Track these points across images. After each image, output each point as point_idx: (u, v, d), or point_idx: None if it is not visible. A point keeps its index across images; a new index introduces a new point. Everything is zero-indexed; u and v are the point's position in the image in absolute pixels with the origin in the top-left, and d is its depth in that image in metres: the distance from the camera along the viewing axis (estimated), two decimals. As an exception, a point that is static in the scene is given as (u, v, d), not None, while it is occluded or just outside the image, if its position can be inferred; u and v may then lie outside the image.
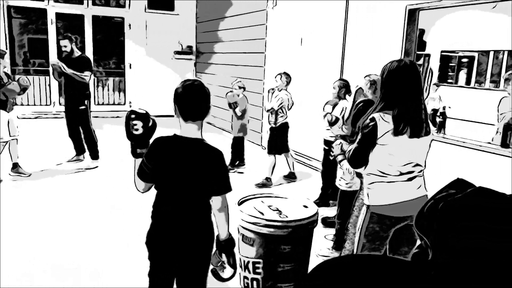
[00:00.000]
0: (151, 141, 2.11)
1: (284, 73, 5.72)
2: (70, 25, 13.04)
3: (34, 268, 3.41)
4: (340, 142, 2.72)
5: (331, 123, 4.78)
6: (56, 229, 4.15)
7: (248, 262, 2.12)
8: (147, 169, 2.07)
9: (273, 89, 5.83)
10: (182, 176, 2.01)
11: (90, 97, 6.33)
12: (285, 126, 5.79)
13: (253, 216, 2.01)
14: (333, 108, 4.78)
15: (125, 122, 2.11)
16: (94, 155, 6.26)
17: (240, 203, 2.07)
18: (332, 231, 4.10)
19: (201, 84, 2.05)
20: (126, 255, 3.67)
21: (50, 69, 5.85)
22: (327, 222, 4.46)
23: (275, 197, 2.25)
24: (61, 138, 7.84)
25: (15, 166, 5.72)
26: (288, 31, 7.24)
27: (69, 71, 5.91)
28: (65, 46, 6.02)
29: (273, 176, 5.81)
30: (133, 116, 2.09)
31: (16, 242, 3.83)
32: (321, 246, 3.93)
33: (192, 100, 2.02)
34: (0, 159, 5.45)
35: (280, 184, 5.88)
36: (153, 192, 2.18)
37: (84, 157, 6.44)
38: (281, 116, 5.71)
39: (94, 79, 10.86)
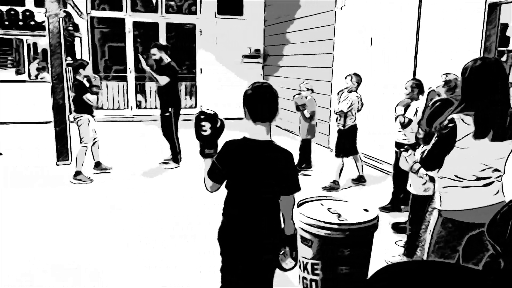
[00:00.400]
0: (220, 142, 2.18)
1: (355, 74, 5.62)
2: (146, 33, 13.79)
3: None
4: (410, 153, 2.63)
5: (404, 125, 4.62)
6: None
7: (307, 263, 2.13)
8: (218, 171, 2.14)
9: (342, 90, 5.74)
10: (252, 177, 2.07)
11: (179, 104, 6.48)
12: (353, 129, 5.69)
13: (311, 218, 2.01)
14: (405, 109, 4.62)
15: (194, 123, 2.19)
16: (174, 159, 6.54)
17: (299, 205, 2.09)
18: (403, 237, 3.96)
19: (270, 86, 2.10)
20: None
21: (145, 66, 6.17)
22: (398, 228, 4.32)
23: (336, 200, 2.22)
24: (136, 139, 8.31)
25: (98, 164, 6.19)
26: (357, 31, 7.11)
27: (147, 69, 6.22)
28: (154, 54, 6.30)
29: (341, 179, 5.72)
30: (202, 117, 2.15)
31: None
32: (392, 252, 3.81)
33: (261, 102, 2.07)
34: (75, 160, 5.90)
35: (349, 187, 5.77)
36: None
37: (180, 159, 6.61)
38: (350, 119, 5.61)
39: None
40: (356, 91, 5.59)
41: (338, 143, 5.71)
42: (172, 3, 11.52)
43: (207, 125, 2.14)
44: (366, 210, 2.18)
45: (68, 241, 3.95)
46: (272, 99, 2.08)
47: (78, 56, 9.93)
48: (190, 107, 11.65)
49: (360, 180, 5.94)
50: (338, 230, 2.02)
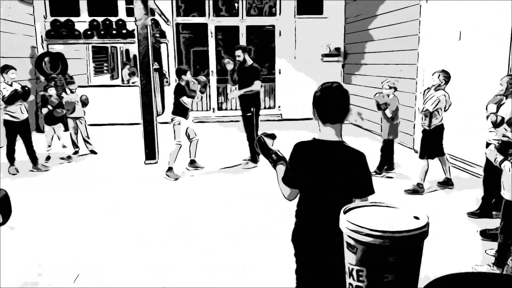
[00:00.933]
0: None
1: (442, 71, 5.30)
2: (227, 36, 14.24)
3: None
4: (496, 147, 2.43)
5: (496, 124, 4.28)
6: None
7: (352, 269, 2.06)
8: (290, 174, 2.15)
9: (429, 88, 5.46)
10: (323, 179, 2.06)
11: (259, 105, 6.61)
12: (440, 129, 5.37)
13: (355, 224, 1.95)
14: (498, 107, 4.28)
15: (259, 145, 2.35)
16: (253, 159, 6.70)
17: (347, 211, 2.04)
18: (494, 245, 3.67)
19: (340, 86, 2.07)
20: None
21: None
22: (487, 235, 4.01)
23: (385, 206, 2.12)
24: (213, 140, 8.56)
25: (193, 162, 6.57)
26: (444, 25, 6.70)
27: (240, 93, 6.45)
28: (238, 56, 6.49)
29: (426, 182, 5.44)
30: (265, 138, 2.36)
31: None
32: (481, 261, 3.55)
33: (330, 103, 2.04)
34: (169, 156, 6.24)
35: (434, 190, 5.47)
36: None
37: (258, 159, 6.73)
38: (436, 118, 5.31)
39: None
40: (444, 89, 5.28)
41: (423, 143, 5.43)
42: (253, 4, 11.75)
43: (269, 142, 2.34)
44: (416, 217, 2.06)
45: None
46: (341, 100, 2.05)
47: (164, 61, 10.52)
48: (269, 107, 11.80)
49: (447, 184, 5.60)
50: (381, 238, 1.92)
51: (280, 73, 11.40)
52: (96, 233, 4.23)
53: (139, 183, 6.00)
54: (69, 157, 7.22)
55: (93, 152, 7.65)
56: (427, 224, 2.09)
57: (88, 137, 7.64)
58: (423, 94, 5.54)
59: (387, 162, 6.15)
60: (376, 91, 6.25)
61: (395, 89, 5.97)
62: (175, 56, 10.95)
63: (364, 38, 9.84)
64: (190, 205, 5.06)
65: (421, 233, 2.10)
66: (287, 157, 2.20)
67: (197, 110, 11.40)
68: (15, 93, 6.11)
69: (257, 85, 6.37)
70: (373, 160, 6.20)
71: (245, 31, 11.15)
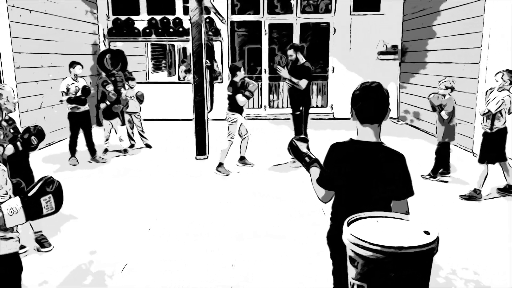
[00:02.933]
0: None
1: (507, 70, 4.95)
2: (281, 34, 14.17)
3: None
4: None
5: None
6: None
7: (354, 284, 1.92)
8: (326, 175, 2.14)
9: (492, 89, 5.12)
10: (361, 180, 2.02)
11: (309, 103, 6.56)
12: (502, 132, 5.02)
13: (355, 237, 1.80)
14: None
15: (292, 150, 2.39)
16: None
17: (352, 221, 1.90)
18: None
19: (379, 86, 2.03)
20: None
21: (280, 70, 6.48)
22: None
23: (395, 218, 1.95)
24: (263, 138, 8.55)
25: (242, 158, 6.63)
26: (510, 22, 6.24)
27: (286, 76, 6.42)
28: (291, 56, 6.46)
29: (484, 188, 5.11)
30: (297, 142, 2.40)
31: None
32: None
33: (370, 103, 2.01)
34: (220, 153, 6.32)
35: (493, 198, 5.13)
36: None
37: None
38: (499, 121, 4.97)
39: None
40: (508, 89, 4.92)
41: (483, 147, 5.10)
42: (310, 1, 11.60)
43: (302, 145, 2.38)
44: (427, 232, 1.88)
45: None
46: (381, 100, 2.02)
47: (218, 59, 10.67)
48: (321, 106, 11.63)
49: (508, 191, 5.23)
50: (382, 253, 1.76)
51: (333, 71, 11.19)
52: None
53: (188, 178, 6.12)
54: (125, 151, 7.51)
55: (148, 146, 7.91)
56: (436, 240, 1.91)
57: (144, 132, 7.91)
58: (486, 95, 5.21)
59: (442, 166, 5.86)
60: (436, 91, 5.95)
61: (452, 89, 5.66)
62: (229, 53, 11.08)
63: (423, 35, 9.42)
64: (220, 202, 5.14)
65: (428, 250, 1.91)
66: (323, 158, 2.19)
67: (248, 107, 11.44)
68: (84, 89, 6.47)
69: (303, 83, 6.31)
70: (428, 163, 5.94)
71: (299, 28, 11.05)
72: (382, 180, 2.00)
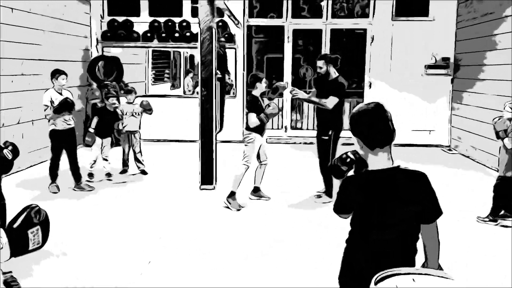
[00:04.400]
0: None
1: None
2: (307, 42, 14.30)
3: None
4: None
5: None
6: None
7: None
8: (343, 207, 2.38)
9: (500, 117, 5.05)
10: (383, 210, 2.20)
11: (340, 126, 6.49)
12: None
13: None
14: None
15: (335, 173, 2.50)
16: (327, 191, 6.53)
17: (379, 280, 1.82)
18: None
19: (379, 104, 2.27)
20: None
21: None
22: None
23: (436, 276, 1.85)
24: (285, 165, 8.50)
25: (256, 190, 6.62)
26: None
27: (304, 97, 6.42)
28: (320, 68, 6.42)
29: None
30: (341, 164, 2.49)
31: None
32: None
33: (377, 125, 2.21)
34: (233, 180, 6.30)
35: None
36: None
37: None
38: None
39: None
40: None
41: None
42: (343, 4, 11.71)
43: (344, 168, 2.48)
44: None
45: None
46: (387, 119, 2.23)
47: (231, 70, 10.76)
48: (356, 129, 11.58)
49: None
50: None
51: (370, 87, 11.17)
52: (118, 267, 4.44)
53: (189, 213, 6.09)
54: (109, 175, 7.56)
55: (143, 172, 7.93)
56: None
57: (141, 154, 7.94)
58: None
59: (504, 206, 5.69)
60: (496, 114, 5.86)
61: (520, 112, 5.54)
62: (244, 63, 11.16)
63: (482, 46, 9.35)
64: (226, 249, 5.05)
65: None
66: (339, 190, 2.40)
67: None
68: (65, 102, 6.51)
69: (331, 102, 6.23)
70: (486, 202, 5.79)
71: (329, 35, 11.10)
72: (405, 205, 2.18)
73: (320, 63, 6.41)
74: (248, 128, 6.25)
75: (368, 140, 2.22)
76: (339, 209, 2.40)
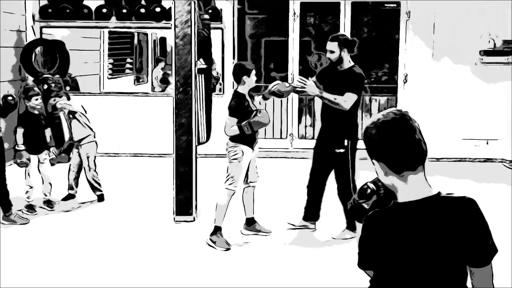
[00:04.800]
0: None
1: None
2: (321, 19, 14.29)
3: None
4: None
5: None
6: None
7: None
8: (369, 260, 2.30)
9: None
10: (423, 256, 2.18)
11: (357, 133, 6.44)
12: None
13: None
14: None
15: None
16: (349, 224, 6.40)
17: None
18: None
19: (404, 114, 2.22)
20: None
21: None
22: None
23: None
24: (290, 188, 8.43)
25: (251, 222, 6.60)
26: None
27: (315, 92, 6.34)
28: (332, 52, 6.32)
29: None
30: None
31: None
32: None
33: (405, 141, 2.17)
34: (215, 210, 6.23)
35: None
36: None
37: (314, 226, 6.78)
38: None
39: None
40: None
41: None
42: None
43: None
44: None
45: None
46: (413, 129, 2.20)
47: (217, 58, 10.71)
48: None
49: None
50: None
51: (406, 80, 11.16)
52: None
53: (159, 256, 6.02)
54: (49, 203, 7.49)
55: (100, 198, 7.86)
56: None
57: (96, 174, 7.87)
58: None
59: None
60: None
61: None
62: (235, 48, 11.16)
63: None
64: None
65: None
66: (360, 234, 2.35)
67: (264, 138, 11.40)
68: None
69: (348, 100, 6.16)
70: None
71: (350, 10, 11.08)
72: (445, 243, 2.16)
73: (332, 45, 6.32)
74: (233, 138, 6.19)
75: (393, 163, 2.20)
76: (364, 263, 2.35)
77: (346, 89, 6.17)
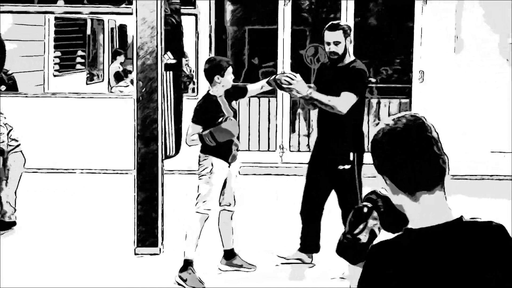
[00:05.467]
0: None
1: None
2: (318, 4, 14.34)
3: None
4: None
5: None
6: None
7: None
8: None
9: None
10: None
11: (363, 144, 6.52)
12: None
13: None
14: None
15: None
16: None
17: None
18: None
19: (415, 119, 2.17)
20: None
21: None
22: None
23: None
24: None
25: (230, 256, 6.57)
26: None
27: (303, 92, 6.33)
28: (336, 44, 6.33)
29: None
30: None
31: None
32: None
33: (413, 152, 2.13)
34: (185, 239, 6.20)
35: None
36: None
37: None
38: None
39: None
40: None
41: None
42: None
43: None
44: None
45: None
46: (430, 140, 2.15)
47: (190, 50, 10.73)
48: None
49: None
50: None
51: (422, 79, 11.22)
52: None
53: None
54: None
55: (8, 224, 7.84)
56: None
57: (14, 195, 7.87)
58: None
59: None
60: None
61: None
62: (211, 40, 11.20)
63: None
64: None
65: None
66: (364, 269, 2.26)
67: (249, 150, 11.40)
68: None
69: (345, 101, 6.20)
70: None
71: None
72: (471, 276, 2.11)
73: (336, 35, 6.35)
74: (203, 149, 6.23)
75: (403, 182, 2.15)
76: None
77: (343, 88, 6.20)
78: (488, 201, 8.84)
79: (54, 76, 12.86)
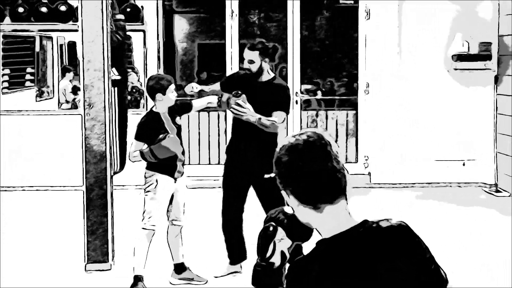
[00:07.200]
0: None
1: None
2: (266, 18, 14.40)
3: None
4: None
5: None
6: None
7: None
8: None
9: None
10: None
11: None
12: None
13: None
14: None
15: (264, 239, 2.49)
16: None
17: None
18: None
19: (314, 135, 2.21)
20: None
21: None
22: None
23: None
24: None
25: (181, 269, 6.57)
26: None
27: (252, 118, 6.34)
28: (251, 62, 6.40)
29: None
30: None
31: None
32: None
33: (314, 166, 2.16)
34: (133, 255, 6.16)
35: None
36: None
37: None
38: None
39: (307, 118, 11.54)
40: None
41: None
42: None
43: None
44: None
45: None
46: (329, 154, 2.19)
47: (139, 65, 10.68)
48: (347, 161, 11.61)
49: None
50: None
51: (367, 91, 11.29)
52: None
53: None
54: None
55: None
56: None
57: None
58: None
59: None
60: None
61: None
62: (160, 55, 11.19)
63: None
64: None
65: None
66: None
67: (198, 164, 11.37)
68: None
69: (282, 120, 6.38)
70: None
71: (299, 9, 11.21)
72: (395, 281, 2.15)
73: (251, 54, 6.43)
74: (149, 166, 6.25)
75: (306, 196, 2.19)
76: None
77: (275, 107, 6.32)
78: (437, 207, 9.00)
79: (3, 93, 12.68)
